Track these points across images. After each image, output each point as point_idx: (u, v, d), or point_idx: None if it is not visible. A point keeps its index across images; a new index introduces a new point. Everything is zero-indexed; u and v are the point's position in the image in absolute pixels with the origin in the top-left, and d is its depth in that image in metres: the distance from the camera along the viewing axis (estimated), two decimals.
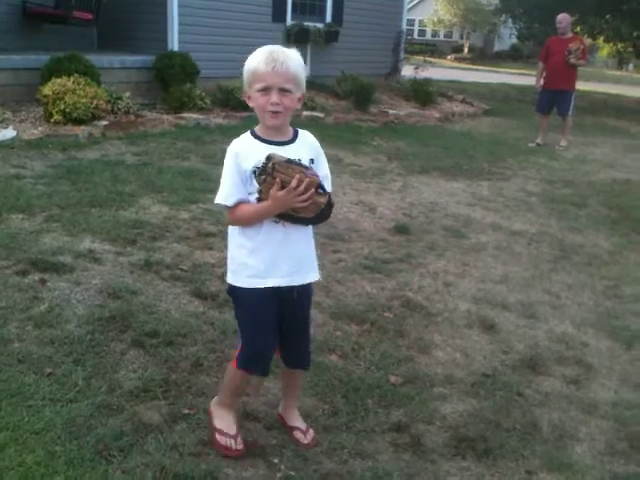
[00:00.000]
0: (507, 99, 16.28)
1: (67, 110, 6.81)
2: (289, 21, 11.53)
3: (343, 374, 2.83)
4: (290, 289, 2.24)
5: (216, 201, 2.18)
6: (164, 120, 8.00)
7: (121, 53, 9.56)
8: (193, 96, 8.72)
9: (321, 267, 3.98)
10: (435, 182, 6.71)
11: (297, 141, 2.21)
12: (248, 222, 2.19)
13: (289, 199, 2.04)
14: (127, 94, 8.03)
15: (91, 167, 5.68)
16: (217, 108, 9.14)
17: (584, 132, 11.02)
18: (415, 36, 39.88)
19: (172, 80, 8.82)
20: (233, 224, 2.23)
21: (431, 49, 34.25)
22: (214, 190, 5.39)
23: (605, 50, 29.50)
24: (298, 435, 2.42)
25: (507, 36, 36.01)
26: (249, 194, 2.15)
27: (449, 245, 4.72)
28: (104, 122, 7.16)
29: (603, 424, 2.70)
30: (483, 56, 38.62)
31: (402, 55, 14.61)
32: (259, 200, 2.12)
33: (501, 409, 2.70)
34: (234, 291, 2.27)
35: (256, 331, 2.25)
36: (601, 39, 19.79)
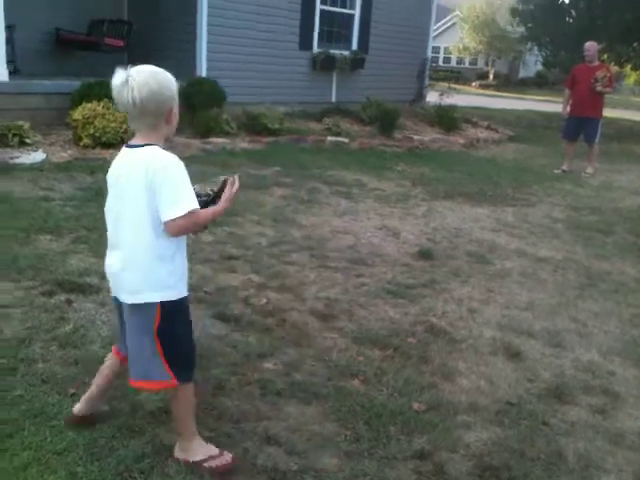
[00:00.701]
0: (532, 126, 16.24)
1: (96, 134, 6.94)
2: (315, 49, 11.68)
3: (365, 400, 2.80)
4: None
5: (190, 208, 2.10)
6: (191, 144, 8.11)
7: None
8: (220, 121, 8.84)
9: (344, 291, 4.02)
10: (459, 207, 6.69)
11: None
12: (202, 225, 2.26)
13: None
14: None
15: None
16: (243, 133, 9.25)
17: (610, 159, 10.91)
18: (440, 63, 40.12)
19: (200, 105, 8.95)
20: (183, 232, 2.18)
21: (456, 76, 34.37)
22: (238, 214, 5.47)
23: (632, 78, 29.36)
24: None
25: (532, 63, 35.98)
26: None
27: (473, 271, 4.68)
28: None
29: (630, 455, 2.63)
30: (508, 83, 38.60)
31: (427, 82, 14.68)
32: (206, 204, 2.22)
33: (526, 438, 2.65)
34: (180, 305, 2.25)
35: (191, 338, 2.35)
36: (628, 67, 19.71)
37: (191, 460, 2.29)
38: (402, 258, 4.86)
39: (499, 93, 32.79)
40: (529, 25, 17.74)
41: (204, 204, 2.21)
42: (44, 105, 7.83)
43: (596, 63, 9.60)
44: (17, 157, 6.43)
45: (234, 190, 2.26)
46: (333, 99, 12.24)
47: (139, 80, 2.09)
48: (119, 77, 2.09)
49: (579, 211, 7.01)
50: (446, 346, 3.40)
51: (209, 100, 9.09)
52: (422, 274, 4.51)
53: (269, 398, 2.75)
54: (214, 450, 2.33)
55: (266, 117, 9.39)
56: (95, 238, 4.41)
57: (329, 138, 9.95)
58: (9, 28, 8.38)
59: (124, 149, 2.22)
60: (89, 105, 7.16)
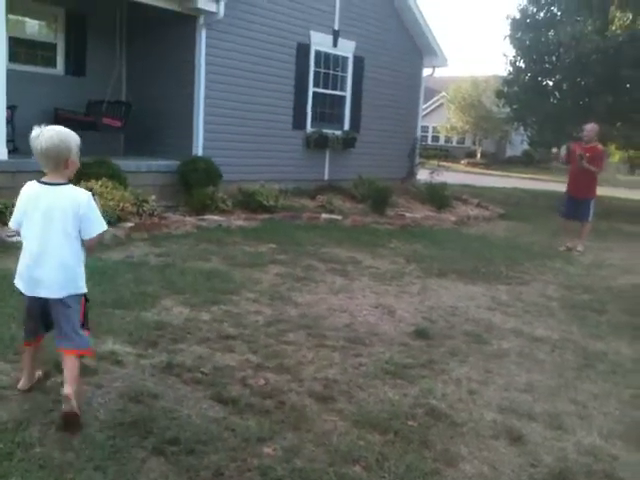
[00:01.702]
0: (521, 203, 16.57)
1: None
2: (309, 128, 12.00)
3: None
4: None
5: (103, 229, 3.08)
6: (187, 222, 8.20)
7: (147, 158, 9.96)
8: (215, 199, 8.98)
9: (342, 371, 4.00)
10: (454, 285, 6.73)
11: None
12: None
13: None
14: (152, 197, 8.29)
15: (115, 268, 5.78)
16: (238, 210, 9.38)
17: (599, 237, 11.09)
18: (429, 142, 41.13)
19: (196, 183, 9.11)
20: (93, 247, 3.16)
21: (445, 154, 35.18)
22: (235, 291, 5.51)
23: (617, 156, 30.14)
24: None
25: (519, 142, 36.90)
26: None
27: (471, 351, 4.68)
28: (129, 224, 7.36)
29: None
30: (496, 161, 39.53)
31: (417, 160, 15.05)
32: None
33: None
34: (86, 297, 3.15)
35: None
36: (613, 146, 20.28)
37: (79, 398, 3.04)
38: (399, 337, 4.85)
39: (487, 171, 33.55)
40: (514, 106, 18.29)
41: None
42: None
43: (592, 144, 9.68)
44: (14, 235, 6.45)
45: None
46: (326, 177, 12.49)
47: (46, 135, 2.93)
48: (35, 132, 2.95)
49: (572, 290, 7.07)
50: (447, 430, 3.36)
51: (205, 178, 9.27)
52: (420, 354, 4.50)
53: None
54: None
55: (261, 194, 9.55)
56: (91, 317, 4.37)
57: (323, 215, 10.09)
58: (11, 108, 8.60)
59: (42, 186, 3.02)
60: (87, 184, 7.26)
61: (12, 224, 3.20)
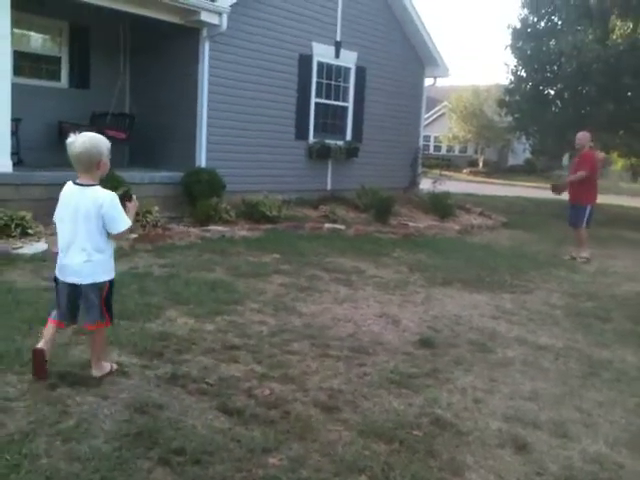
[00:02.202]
0: (524, 212, 16.58)
1: None
2: (311, 139, 12.05)
3: None
4: None
5: (128, 226, 3.54)
6: (190, 233, 8.23)
7: (151, 169, 10.00)
8: (219, 209, 9.01)
9: (347, 381, 4.00)
10: (458, 294, 6.74)
11: None
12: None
13: None
14: (156, 208, 8.32)
15: (120, 279, 5.75)
16: (242, 220, 9.41)
17: (603, 245, 11.08)
18: (431, 151, 41.22)
19: (199, 195, 9.14)
20: (117, 240, 3.69)
21: (447, 163, 35.24)
22: (239, 301, 5.53)
23: (619, 164, 30.15)
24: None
25: (521, 151, 36.97)
26: None
27: (476, 360, 4.68)
28: (133, 235, 7.38)
29: None
30: (498, 170, 39.58)
31: (420, 169, 15.09)
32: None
33: None
34: (111, 282, 3.63)
35: None
36: (615, 154, 20.29)
37: (105, 374, 3.65)
38: (403, 346, 4.85)
39: (489, 180, 33.59)
40: (516, 115, 18.35)
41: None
42: (46, 196, 7.93)
43: (584, 151, 9.74)
44: (19, 247, 6.50)
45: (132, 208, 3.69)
46: (329, 187, 12.52)
47: (80, 141, 3.36)
48: (70, 138, 3.38)
49: (576, 297, 7.06)
50: (453, 439, 3.36)
51: (208, 189, 9.30)
52: (424, 363, 4.50)
53: None
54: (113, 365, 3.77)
55: (264, 205, 9.58)
56: None
57: (326, 225, 10.11)
58: (16, 121, 8.66)
59: (73, 186, 3.50)
60: None
61: (54, 218, 3.66)
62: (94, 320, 3.58)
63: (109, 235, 3.52)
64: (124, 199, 3.62)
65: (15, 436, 2.90)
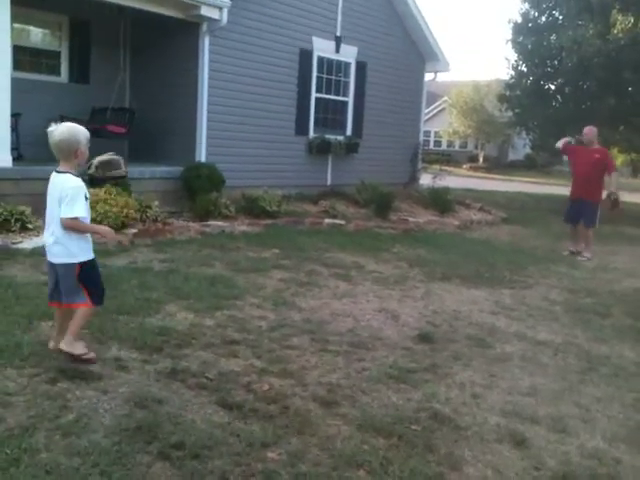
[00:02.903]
0: (524, 208, 16.57)
1: (98, 219, 7.03)
2: (311, 134, 12.04)
3: None
4: None
5: (74, 214, 3.57)
6: (190, 228, 8.23)
7: (151, 164, 9.99)
8: (219, 205, 9.01)
9: (346, 376, 4.01)
10: (457, 289, 6.74)
11: None
12: (81, 231, 3.70)
13: None
14: (156, 203, 8.32)
15: (119, 274, 5.81)
16: (241, 215, 9.41)
17: (603, 241, 11.07)
18: (431, 146, 41.16)
19: (199, 189, 9.14)
20: (69, 229, 3.62)
21: (447, 159, 35.21)
22: (238, 296, 5.54)
23: (620, 159, 30.10)
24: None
25: (521, 146, 36.98)
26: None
27: (474, 355, 4.69)
28: (133, 230, 7.39)
29: None
30: (498, 165, 39.53)
31: (420, 165, 15.07)
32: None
33: None
34: (85, 263, 3.73)
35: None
36: (615, 149, 20.25)
37: (73, 351, 3.71)
38: (402, 341, 4.86)
39: (489, 175, 33.54)
40: (517, 110, 18.31)
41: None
42: (45, 190, 7.95)
43: (595, 146, 9.65)
44: (19, 242, 6.51)
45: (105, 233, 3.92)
46: (329, 182, 12.52)
47: (59, 130, 3.55)
48: (51, 127, 3.56)
49: (576, 293, 7.07)
50: (451, 433, 3.37)
51: (208, 184, 9.29)
52: (423, 358, 4.51)
53: None
54: (86, 348, 3.80)
55: (264, 200, 9.58)
56: (96, 324, 4.42)
57: (326, 220, 10.12)
58: (15, 116, 8.65)
59: (54, 173, 3.68)
60: (91, 190, 7.28)
61: None
62: (71, 300, 3.74)
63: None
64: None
65: (15, 430, 2.91)
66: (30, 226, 6.97)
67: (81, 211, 3.60)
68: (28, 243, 6.51)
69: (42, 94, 9.95)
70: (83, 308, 3.75)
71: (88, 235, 3.80)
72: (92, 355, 3.82)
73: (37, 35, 10.76)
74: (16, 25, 9.52)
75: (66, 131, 3.56)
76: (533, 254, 9.54)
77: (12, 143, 8.39)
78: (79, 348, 3.75)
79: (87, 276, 3.73)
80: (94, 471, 2.66)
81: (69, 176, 3.63)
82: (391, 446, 3.17)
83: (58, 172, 3.67)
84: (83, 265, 3.71)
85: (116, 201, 7.30)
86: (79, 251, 3.70)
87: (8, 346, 3.87)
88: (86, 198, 3.66)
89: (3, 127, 7.90)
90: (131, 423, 3.09)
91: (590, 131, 9.62)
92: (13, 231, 6.83)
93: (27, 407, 3.15)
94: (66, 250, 3.68)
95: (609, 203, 9.54)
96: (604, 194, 9.64)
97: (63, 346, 3.70)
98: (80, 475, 2.63)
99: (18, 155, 8.91)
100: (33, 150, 9.35)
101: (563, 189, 10.24)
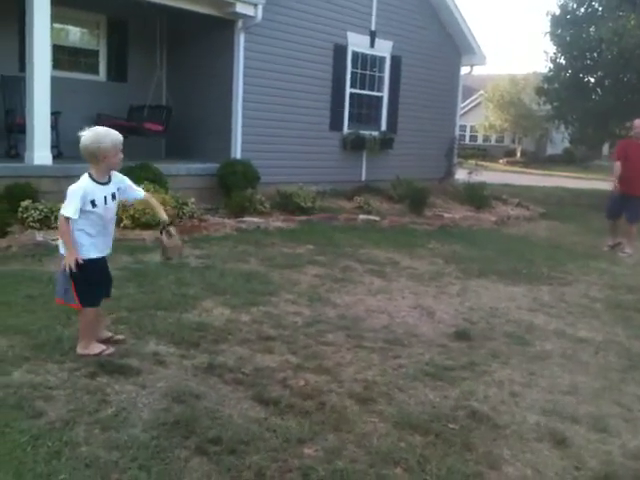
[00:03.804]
0: (562, 203, 16.27)
1: (136, 215, 7.14)
2: (346, 130, 12.01)
3: None
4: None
5: (66, 214, 3.62)
6: (226, 224, 8.28)
7: (187, 161, 10.09)
8: (254, 201, 9.05)
9: (382, 373, 3.99)
10: (494, 286, 6.66)
11: (111, 182, 3.84)
12: (62, 237, 3.78)
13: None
14: (192, 199, 8.39)
15: (157, 270, 5.88)
16: (276, 212, 9.43)
17: None
18: (467, 141, 40.66)
19: (234, 186, 9.20)
20: (61, 229, 3.75)
21: (483, 153, 34.74)
22: (274, 292, 5.55)
23: None
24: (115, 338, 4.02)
25: (559, 140, 36.22)
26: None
27: (513, 352, 4.62)
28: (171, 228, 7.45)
29: None
30: (536, 160, 38.87)
31: (455, 160, 14.92)
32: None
33: None
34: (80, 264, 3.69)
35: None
36: None
37: (89, 353, 3.76)
38: (438, 338, 4.82)
39: (527, 170, 33.05)
40: (555, 104, 17.98)
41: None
42: None
43: None
44: (58, 239, 6.61)
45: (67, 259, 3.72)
46: (363, 178, 12.47)
47: (86, 135, 3.65)
48: (82, 132, 3.67)
49: (616, 290, 6.92)
50: (489, 432, 3.32)
51: (243, 181, 9.35)
52: (460, 355, 4.46)
53: None
54: (102, 346, 3.85)
55: (299, 196, 9.58)
56: (135, 319, 4.49)
57: (360, 216, 10.08)
58: (55, 115, 8.81)
59: None
60: None
61: None
62: (61, 295, 3.86)
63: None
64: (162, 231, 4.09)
65: (56, 424, 2.97)
66: None
67: (71, 212, 3.62)
68: None
69: (81, 93, 10.12)
70: (83, 310, 3.79)
71: (97, 233, 3.78)
72: (111, 350, 3.85)
73: (76, 34, 10.94)
74: (55, 25, 9.69)
75: (88, 138, 3.64)
76: (572, 250, 9.37)
77: (52, 141, 8.54)
78: (94, 349, 3.80)
79: (78, 275, 3.68)
80: (133, 465, 2.69)
81: (82, 177, 3.72)
82: (428, 444, 3.14)
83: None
84: (78, 266, 3.67)
85: (154, 198, 7.36)
86: (76, 247, 3.72)
87: (49, 341, 3.95)
88: (93, 204, 3.66)
89: (44, 125, 8.05)
90: (169, 418, 3.12)
91: (639, 123, 9.37)
92: (53, 228, 6.95)
93: (67, 401, 3.21)
94: (64, 244, 3.77)
95: None
96: None
97: (78, 350, 3.77)
98: (119, 469, 2.66)
99: (58, 153, 9.07)
100: (72, 148, 9.47)
101: (603, 184, 10.00)
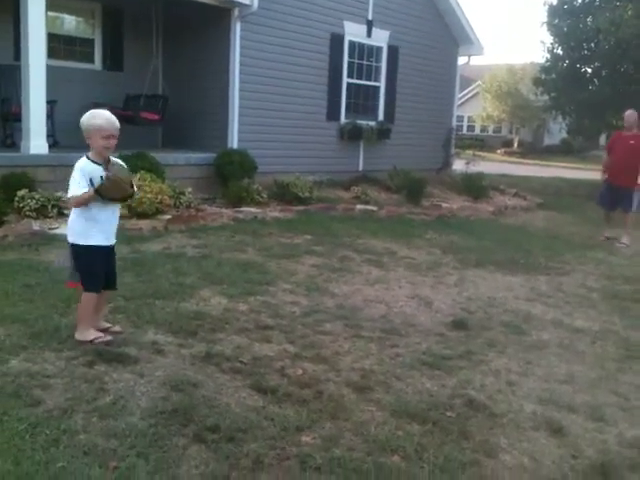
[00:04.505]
0: (559, 193, 16.29)
1: (133, 205, 7.12)
2: (343, 120, 11.98)
3: (406, 477, 2.74)
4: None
5: (72, 193, 3.70)
6: (223, 214, 8.27)
7: (184, 151, 10.06)
8: (251, 191, 9.03)
9: (379, 362, 4.00)
10: (492, 276, 6.66)
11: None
12: (77, 204, 3.77)
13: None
14: (189, 189, 8.38)
15: (154, 259, 5.87)
16: (273, 202, 9.42)
17: None
18: (464, 131, 40.62)
19: (231, 176, 9.18)
20: (74, 207, 3.80)
21: (480, 144, 34.72)
22: (271, 282, 5.55)
23: None
24: (112, 330, 4.01)
25: (557, 130, 36.23)
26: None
27: (510, 342, 4.63)
28: (167, 216, 7.46)
29: None
30: (533, 150, 38.87)
31: (453, 150, 14.90)
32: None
33: None
34: (78, 247, 3.83)
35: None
36: None
37: (85, 339, 3.79)
38: (436, 328, 4.83)
39: (524, 160, 33.04)
40: (552, 94, 17.97)
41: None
42: None
43: (634, 131, 9.44)
44: (56, 227, 6.61)
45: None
46: (360, 168, 12.45)
47: (83, 117, 3.73)
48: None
49: (613, 280, 6.93)
50: (486, 421, 3.34)
51: (240, 170, 9.32)
52: (457, 345, 4.47)
53: (309, 474, 2.71)
54: (98, 333, 3.86)
55: (296, 186, 9.57)
56: (132, 308, 4.48)
57: (358, 206, 10.08)
58: (51, 104, 8.77)
59: None
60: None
61: None
62: (69, 278, 3.95)
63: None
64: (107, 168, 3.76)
65: (54, 412, 2.97)
66: (66, 212, 7.05)
67: (76, 191, 3.70)
68: (65, 229, 6.58)
69: (76, 82, 10.07)
70: (83, 295, 3.82)
71: (100, 222, 3.82)
72: (108, 338, 3.86)
73: (71, 23, 10.87)
74: (50, 13, 9.62)
75: (84, 118, 3.72)
76: (569, 240, 9.38)
77: (48, 130, 8.50)
78: (90, 335, 3.81)
79: (79, 261, 3.81)
80: (131, 453, 2.70)
81: (80, 159, 3.79)
82: (425, 432, 3.15)
83: None
84: (76, 247, 3.81)
85: (151, 187, 7.36)
86: (76, 233, 3.82)
87: (47, 329, 3.94)
88: (91, 182, 3.70)
89: (39, 114, 8.02)
90: (167, 406, 3.12)
91: (630, 115, 9.40)
92: (50, 217, 6.94)
93: (65, 389, 3.21)
94: (70, 229, 3.87)
95: None
96: None
97: (76, 336, 3.81)
98: (117, 456, 2.66)
99: (54, 142, 9.03)
100: (68, 137, 9.47)
101: (599, 175, 10.04)
